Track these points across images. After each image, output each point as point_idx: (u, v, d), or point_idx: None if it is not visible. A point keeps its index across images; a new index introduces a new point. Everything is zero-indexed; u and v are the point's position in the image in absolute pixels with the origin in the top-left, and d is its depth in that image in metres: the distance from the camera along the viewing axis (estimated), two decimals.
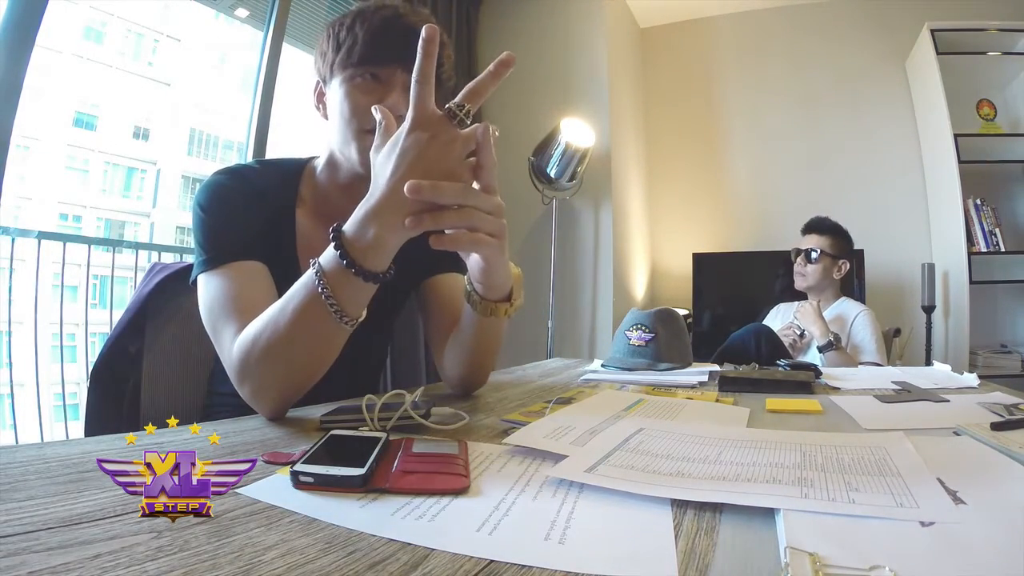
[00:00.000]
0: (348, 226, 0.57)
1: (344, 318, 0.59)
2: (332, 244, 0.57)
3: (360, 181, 0.82)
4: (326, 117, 0.83)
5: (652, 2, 3.37)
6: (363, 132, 0.76)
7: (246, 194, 0.79)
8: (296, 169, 0.87)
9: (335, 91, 0.79)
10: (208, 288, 0.71)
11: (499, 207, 0.58)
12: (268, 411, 0.65)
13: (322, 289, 0.57)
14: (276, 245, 0.79)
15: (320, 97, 0.84)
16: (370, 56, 0.76)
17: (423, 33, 0.54)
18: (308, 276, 0.59)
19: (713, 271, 3.13)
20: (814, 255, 2.02)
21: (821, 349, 1.85)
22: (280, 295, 0.70)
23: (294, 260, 0.82)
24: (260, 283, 0.72)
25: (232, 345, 0.65)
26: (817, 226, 2.09)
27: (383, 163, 0.56)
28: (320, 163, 0.86)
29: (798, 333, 1.94)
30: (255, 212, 0.77)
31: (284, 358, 0.61)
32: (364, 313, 0.62)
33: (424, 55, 0.55)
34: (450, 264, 0.90)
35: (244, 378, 0.64)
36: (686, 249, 3.25)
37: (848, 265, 2.07)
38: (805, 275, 2.05)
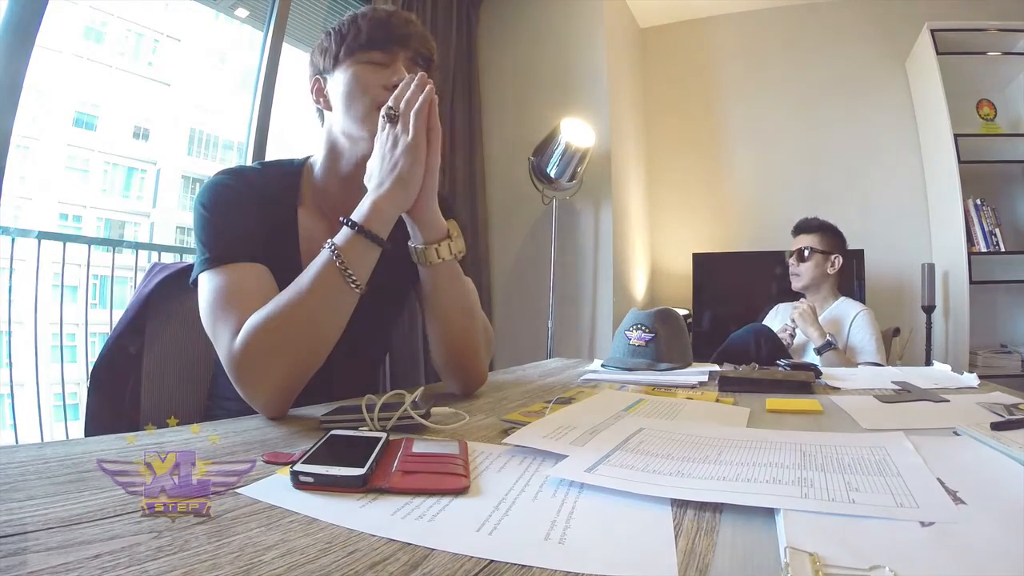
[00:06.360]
0: (356, 210, 0.71)
1: (352, 278, 0.67)
2: (346, 224, 0.70)
3: (363, 167, 0.83)
4: (328, 108, 0.84)
5: (652, 2, 3.37)
6: (374, 107, 0.78)
7: (249, 196, 0.79)
8: (295, 169, 0.88)
9: (341, 75, 0.81)
10: (209, 286, 0.71)
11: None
12: (268, 404, 0.65)
13: (335, 255, 0.67)
14: (280, 247, 0.80)
15: (319, 92, 0.85)
16: (376, 39, 0.81)
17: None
18: (324, 252, 0.68)
19: (713, 271, 3.13)
20: (805, 253, 2.06)
21: (818, 351, 1.85)
22: None
23: (297, 261, 0.82)
24: (263, 283, 0.72)
25: (232, 339, 0.66)
26: (805, 226, 2.12)
27: (379, 162, 0.73)
28: (318, 159, 0.86)
29: (789, 333, 1.94)
30: (258, 214, 0.78)
31: (293, 326, 0.66)
32: (365, 283, 0.69)
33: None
34: None
35: (246, 366, 0.64)
36: (686, 249, 3.25)
37: (841, 260, 2.06)
38: (800, 274, 2.07)
